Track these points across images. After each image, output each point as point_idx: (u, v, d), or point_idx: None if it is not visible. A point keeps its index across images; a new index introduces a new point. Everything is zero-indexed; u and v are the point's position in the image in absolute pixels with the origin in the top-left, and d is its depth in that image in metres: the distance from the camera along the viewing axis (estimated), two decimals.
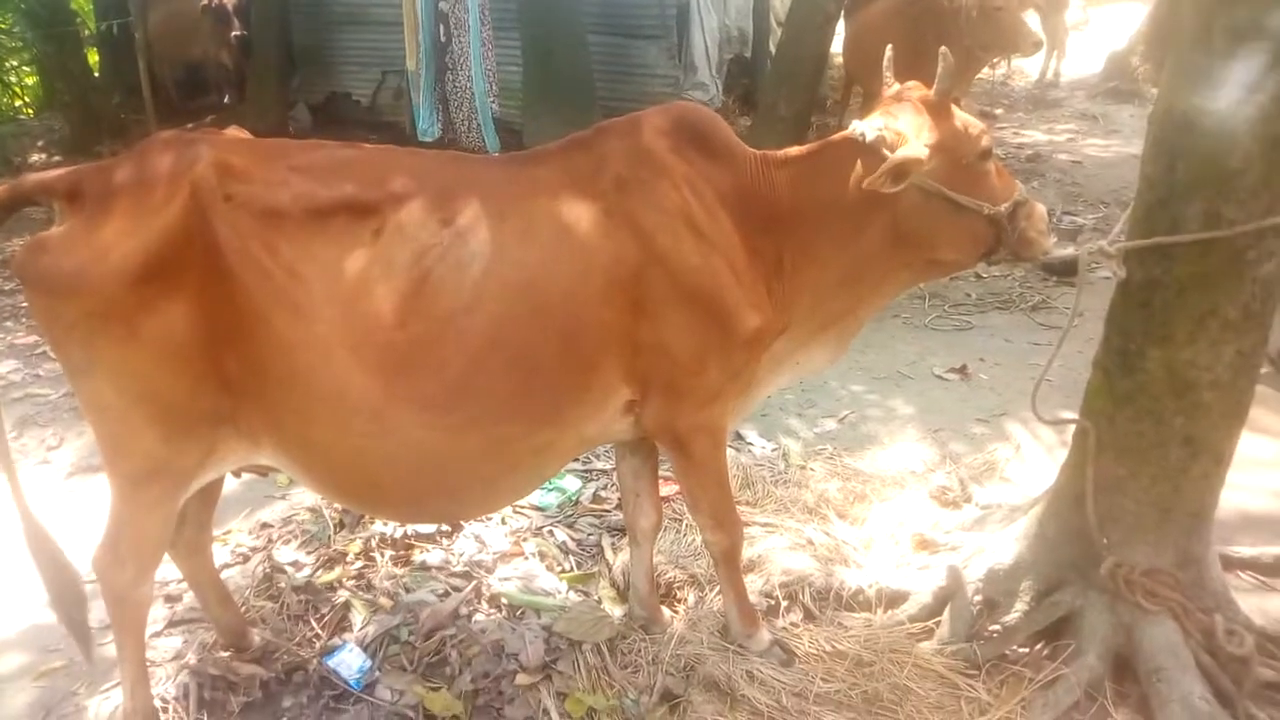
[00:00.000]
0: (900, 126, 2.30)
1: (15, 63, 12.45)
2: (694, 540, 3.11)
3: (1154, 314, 2.39)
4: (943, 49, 2.34)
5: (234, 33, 9.44)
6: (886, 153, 2.27)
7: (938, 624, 2.76)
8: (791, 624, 2.84)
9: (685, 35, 8.90)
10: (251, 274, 2.03)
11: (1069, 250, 2.59)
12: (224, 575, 3.06)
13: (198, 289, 2.04)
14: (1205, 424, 2.44)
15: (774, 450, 3.91)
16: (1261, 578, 2.94)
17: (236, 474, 2.92)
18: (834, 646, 2.69)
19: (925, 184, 2.28)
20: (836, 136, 2.46)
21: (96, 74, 11.22)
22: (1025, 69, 11.88)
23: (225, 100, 10.65)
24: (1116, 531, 2.58)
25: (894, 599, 2.86)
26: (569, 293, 2.18)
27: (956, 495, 3.43)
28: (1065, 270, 4.74)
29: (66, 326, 2.07)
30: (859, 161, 2.33)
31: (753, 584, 2.92)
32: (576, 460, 3.62)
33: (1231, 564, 2.92)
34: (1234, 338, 2.33)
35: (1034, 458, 3.76)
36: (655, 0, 8.77)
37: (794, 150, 2.47)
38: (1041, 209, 2.49)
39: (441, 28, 5.98)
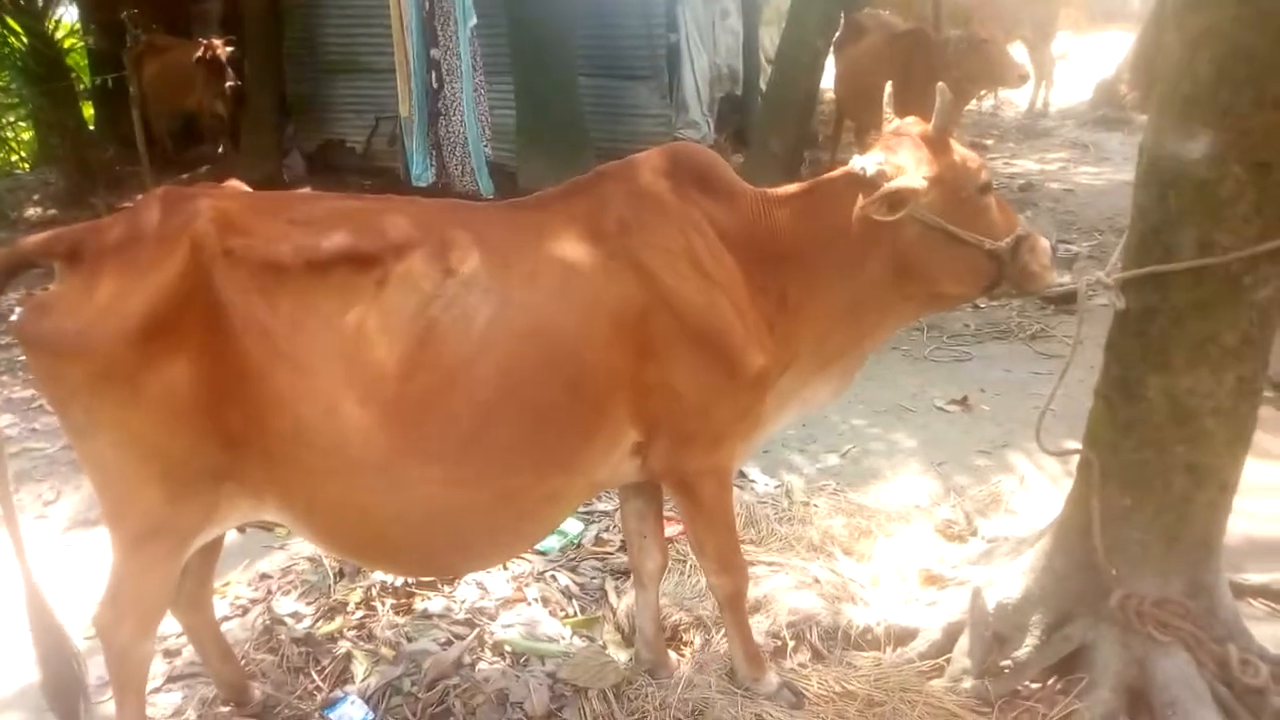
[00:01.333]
0: (900, 160, 2.32)
1: (11, 118, 12.56)
2: (699, 582, 3.08)
3: (1152, 342, 2.39)
4: (940, 85, 2.36)
5: (228, 83, 9.51)
6: (887, 186, 2.28)
7: (949, 661, 2.72)
8: (800, 664, 2.80)
9: (676, 75, 8.99)
10: (252, 329, 2.02)
11: (1066, 281, 2.59)
12: (224, 628, 3.02)
13: (199, 345, 2.03)
14: (1209, 451, 2.42)
15: (777, 487, 3.88)
16: (1273, 605, 2.91)
17: (240, 530, 2.90)
18: (844, 687, 2.66)
19: (925, 217, 2.29)
20: (837, 172, 2.48)
21: (92, 127, 11.31)
22: (1014, 99, 12.01)
23: (220, 150, 10.72)
24: (1124, 562, 2.55)
25: (903, 636, 2.83)
26: (576, 338, 2.17)
27: (962, 529, 3.41)
28: (1064, 299, 4.75)
29: (69, 388, 2.05)
30: (860, 197, 2.34)
31: (759, 624, 2.89)
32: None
33: (1243, 592, 2.90)
34: (1234, 364, 2.32)
35: (1039, 489, 3.74)
36: (645, 41, 8.87)
37: (794, 187, 2.48)
38: (1045, 243, 2.49)
39: (433, 74, 6.05)
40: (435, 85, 6.03)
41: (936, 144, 2.36)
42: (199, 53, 9.48)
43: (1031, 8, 11.09)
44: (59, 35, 10.60)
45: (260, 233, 2.06)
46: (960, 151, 2.40)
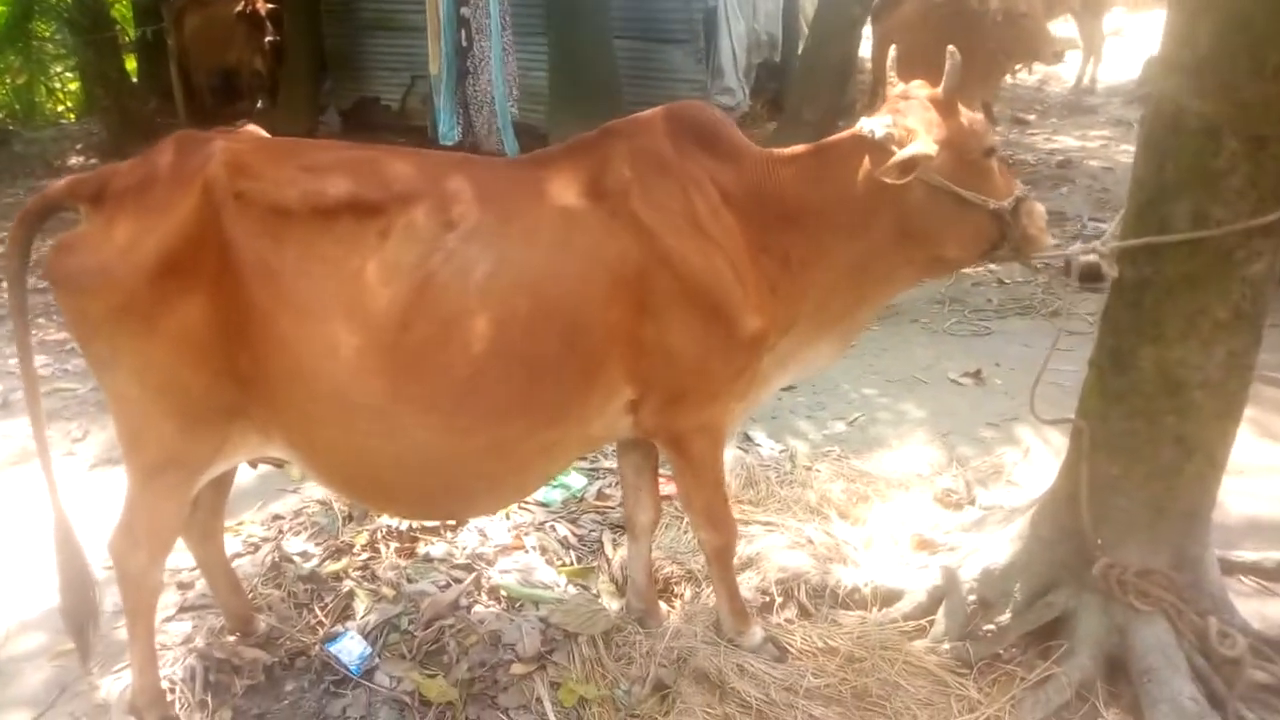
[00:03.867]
0: (909, 123, 2.32)
1: (60, 69, 12.83)
2: (692, 537, 3.14)
3: (1145, 313, 2.40)
4: (950, 48, 2.36)
5: (267, 38, 9.61)
6: (895, 149, 2.30)
7: (932, 623, 2.77)
8: (786, 620, 2.86)
9: (713, 40, 8.94)
10: (259, 271, 2.09)
11: (1067, 250, 2.60)
12: (235, 564, 3.14)
13: (211, 285, 2.10)
14: (1197, 424, 2.43)
15: (781, 451, 3.92)
16: (1264, 582, 2.91)
17: (253, 465, 3.00)
18: (826, 643, 2.72)
19: (932, 179, 2.30)
20: (844, 134, 2.49)
21: (135, 79, 11.50)
22: (1061, 74, 11.76)
23: (259, 105, 10.85)
24: (1111, 531, 2.57)
25: (889, 597, 2.87)
26: (573, 294, 2.21)
27: (960, 498, 3.43)
28: (1089, 276, 4.70)
29: (92, 323, 2.15)
30: (866, 159, 2.36)
31: (749, 580, 2.95)
32: (583, 458, 3.68)
33: (1233, 568, 2.90)
34: (1225, 338, 2.32)
35: (1041, 461, 3.74)
36: (682, 5, 8.82)
37: (800, 148, 2.50)
38: (1040, 207, 2.50)
39: (463, 32, 6.08)
40: (464, 43, 6.06)
41: (945, 107, 2.36)
42: (239, 7, 9.57)
43: None
44: None
45: (270, 177, 2.12)
46: (967, 115, 2.40)
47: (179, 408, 2.19)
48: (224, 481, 2.65)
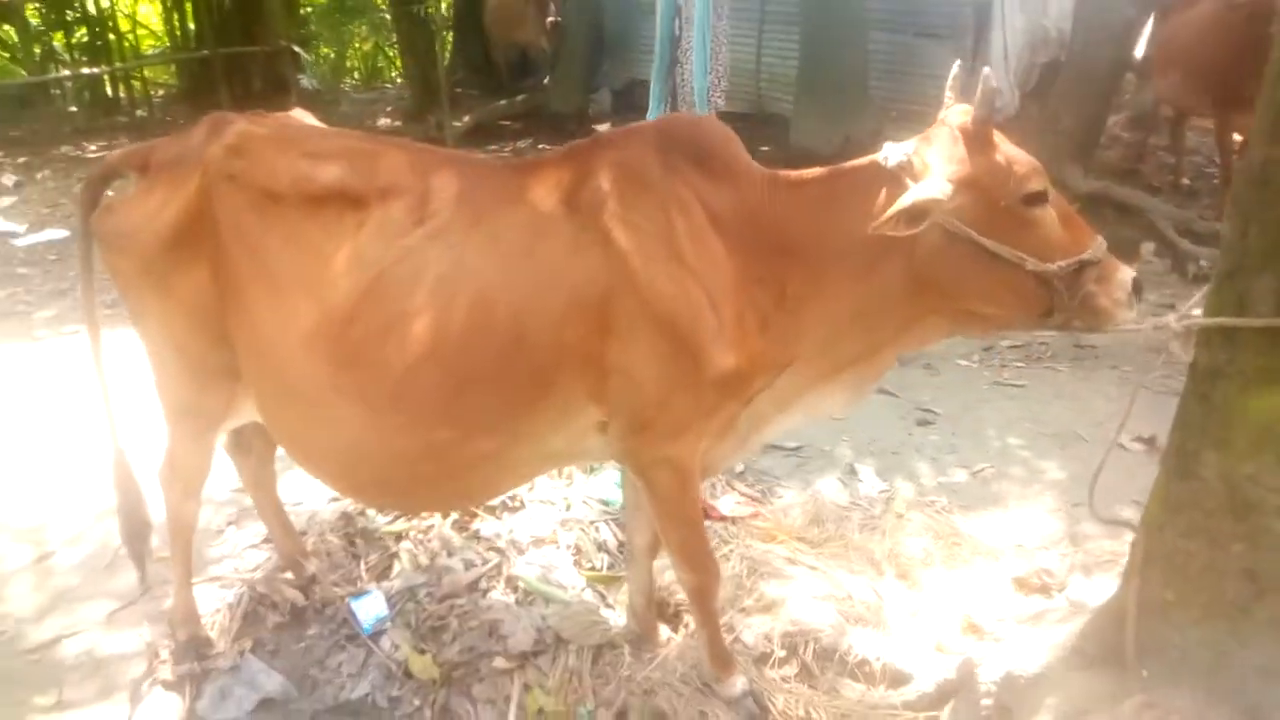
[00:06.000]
0: (930, 156, 2.03)
1: (394, 38, 14.40)
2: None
3: (1213, 410, 1.93)
4: (985, 71, 2.02)
5: (550, 18, 10.16)
6: (910, 183, 2.02)
7: (936, 718, 2.44)
8: (782, 677, 2.64)
9: (983, 36, 8.26)
10: (240, 248, 2.23)
11: (1144, 324, 2.14)
12: (312, 509, 3.43)
13: (211, 256, 2.28)
14: (1273, 559, 1.92)
15: (882, 492, 3.60)
16: None
17: None
18: (809, 712, 2.48)
19: (951, 224, 2.00)
20: (863, 160, 2.21)
21: (449, 52, 12.65)
22: None
23: (546, 81, 11.54)
24: (1159, 667, 2.11)
25: (897, 679, 2.56)
26: (520, 306, 2.12)
27: (1051, 582, 2.97)
28: None
29: (125, 279, 2.41)
30: (884, 191, 2.09)
31: (759, 626, 2.76)
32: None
33: None
34: None
35: None
36: None
37: (812, 172, 2.25)
38: (1125, 274, 2.08)
39: (676, 20, 6.08)
40: (677, 32, 6.05)
41: (974, 140, 2.02)
42: None
43: None
44: None
45: (266, 161, 2.25)
46: (1007, 152, 2.04)
47: (189, 364, 2.41)
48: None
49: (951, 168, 2.01)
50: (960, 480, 3.71)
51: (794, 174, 2.24)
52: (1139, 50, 7.75)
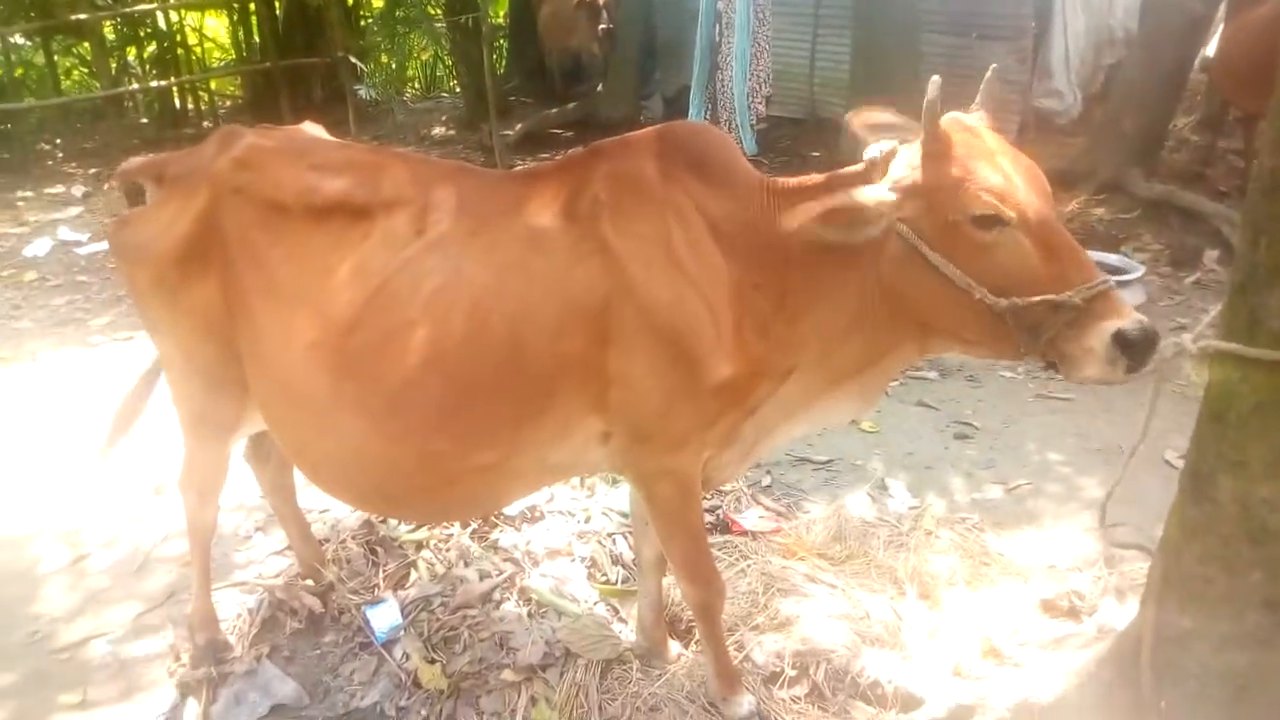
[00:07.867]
0: (895, 161, 1.97)
1: (447, 46, 14.58)
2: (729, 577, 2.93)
3: (1227, 432, 1.82)
4: (934, 78, 1.90)
5: (601, 25, 10.19)
6: (876, 178, 1.99)
7: None
8: (792, 698, 2.58)
9: (1044, 37, 8.04)
10: (246, 259, 2.26)
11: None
12: (334, 517, 3.47)
13: (219, 269, 2.32)
14: None
15: (911, 508, 3.51)
16: None
17: None
18: None
19: (905, 234, 1.94)
20: (858, 165, 2.15)
21: (505, 60, 12.77)
22: None
23: (599, 89, 11.57)
24: (1178, 699, 2.01)
25: (908, 703, 2.48)
26: (518, 317, 2.11)
27: (1081, 605, 2.85)
28: None
29: (139, 290, 2.47)
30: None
31: (771, 644, 2.70)
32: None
33: None
34: None
35: None
36: None
37: (809, 178, 2.20)
38: (1109, 324, 1.80)
39: (716, 27, 6.02)
40: (716, 38, 6.00)
41: (931, 149, 1.90)
42: None
43: None
44: None
45: (272, 174, 2.28)
46: (966, 166, 1.88)
47: (201, 373, 2.45)
48: None
49: (901, 174, 1.94)
50: (995, 497, 3.60)
51: (792, 181, 2.19)
52: (1210, 49, 7.46)
